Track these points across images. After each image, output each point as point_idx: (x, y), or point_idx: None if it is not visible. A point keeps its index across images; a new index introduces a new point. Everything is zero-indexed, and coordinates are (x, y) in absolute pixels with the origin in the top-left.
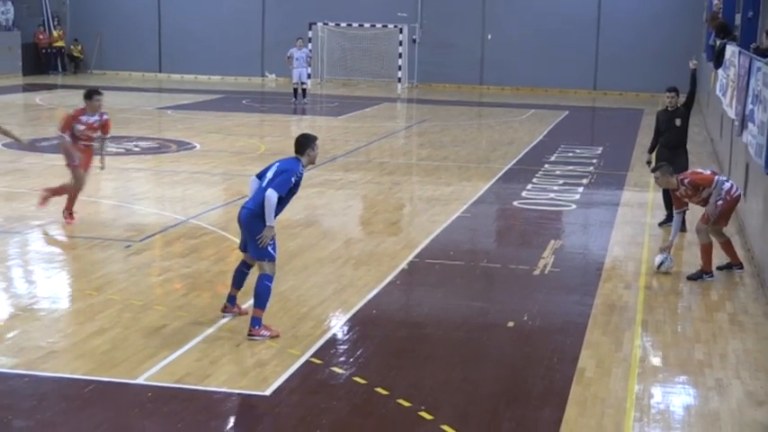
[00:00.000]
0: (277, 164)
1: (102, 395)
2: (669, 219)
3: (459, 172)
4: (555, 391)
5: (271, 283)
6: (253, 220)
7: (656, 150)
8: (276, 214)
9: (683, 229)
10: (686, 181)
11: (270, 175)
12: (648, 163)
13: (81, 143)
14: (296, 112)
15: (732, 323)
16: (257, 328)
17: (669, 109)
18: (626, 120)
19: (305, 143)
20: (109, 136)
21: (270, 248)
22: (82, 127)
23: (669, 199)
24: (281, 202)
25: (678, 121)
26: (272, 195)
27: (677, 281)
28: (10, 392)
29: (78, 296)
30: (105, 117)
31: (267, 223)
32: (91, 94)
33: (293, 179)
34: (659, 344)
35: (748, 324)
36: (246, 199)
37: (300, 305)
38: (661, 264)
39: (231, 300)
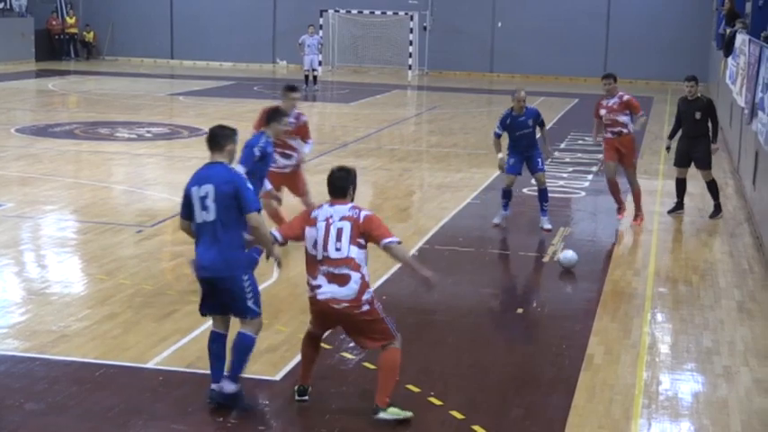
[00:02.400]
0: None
1: (113, 379)
2: (678, 207)
3: (468, 159)
4: (564, 377)
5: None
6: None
7: (676, 137)
8: None
9: (680, 208)
10: (625, 97)
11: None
12: (668, 149)
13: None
14: (307, 99)
15: (740, 311)
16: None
17: (689, 98)
18: None
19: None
20: (309, 145)
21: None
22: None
23: (682, 187)
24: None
25: (698, 115)
26: None
27: (686, 268)
28: (22, 375)
29: (90, 281)
30: (303, 119)
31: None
32: (288, 89)
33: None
34: (668, 331)
35: (756, 312)
36: None
37: None
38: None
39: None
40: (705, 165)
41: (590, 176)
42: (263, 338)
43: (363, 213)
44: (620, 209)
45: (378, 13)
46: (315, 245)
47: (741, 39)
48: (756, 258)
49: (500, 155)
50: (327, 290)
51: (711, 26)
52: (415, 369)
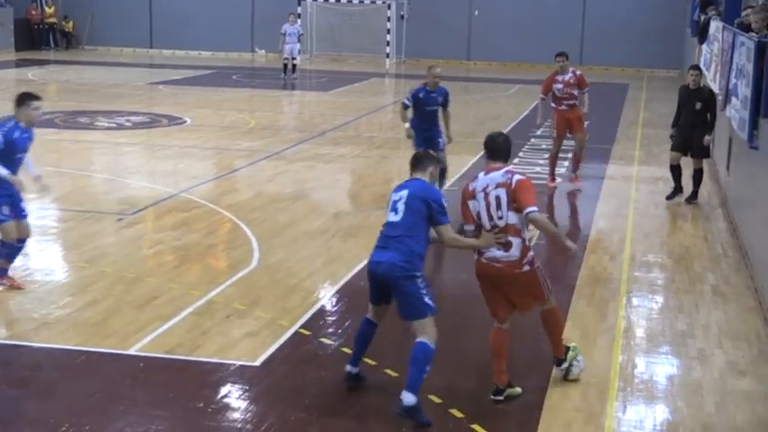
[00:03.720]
0: None
1: (94, 365)
2: (677, 191)
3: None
4: (540, 360)
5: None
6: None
7: (677, 126)
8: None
9: (679, 192)
10: (578, 72)
11: None
12: (671, 137)
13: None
14: (285, 87)
15: (715, 294)
16: None
17: (692, 87)
18: (611, 94)
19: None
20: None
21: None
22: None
23: (677, 172)
24: None
25: (698, 105)
26: None
27: (661, 253)
28: (4, 363)
29: (71, 268)
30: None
31: None
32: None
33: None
34: (643, 314)
35: (730, 295)
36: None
37: (290, 277)
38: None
39: None
40: (702, 154)
41: (566, 163)
42: (243, 325)
43: (516, 178)
44: (554, 177)
45: (355, 1)
46: (479, 216)
47: (715, 26)
48: (730, 243)
49: (406, 124)
50: (490, 254)
51: (686, 13)
52: (392, 353)
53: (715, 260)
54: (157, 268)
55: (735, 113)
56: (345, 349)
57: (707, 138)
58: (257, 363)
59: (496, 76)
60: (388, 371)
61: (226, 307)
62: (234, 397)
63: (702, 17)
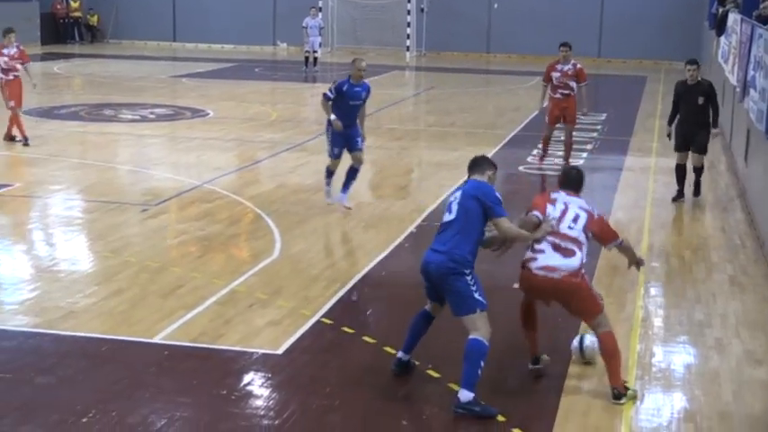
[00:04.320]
0: None
1: (120, 353)
2: (681, 194)
3: (465, 138)
4: (559, 349)
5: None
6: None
7: (675, 124)
8: None
9: (682, 196)
10: (578, 66)
11: None
12: (669, 136)
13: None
14: (307, 80)
15: (732, 284)
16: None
17: (689, 82)
18: (629, 87)
19: None
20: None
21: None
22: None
23: (682, 174)
24: None
25: (701, 100)
26: None
27: (679, 243)
28: (32, 351)
29: (97, 258)
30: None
31: None
32: None
33: None
34: (660, 304)
35: (748, 285)
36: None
37: (311, 267)
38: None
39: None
40: (703, 150)
41: (584, 154)
42: (266, 314)
43: (597, 212)
44: (544, 157)
45: None
46: (549, 217)
47: (733, 18)
48: (748, 233)
49: (332, 116)
50: (549, 258)
51: (704, 6)
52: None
53: (732, 251)
54: (181, 258)
55: (753, 105)
56: (366, 338)
57: (715, 131)
58: (279, 351)
59: (516, 69)
60: (388, 348)
61: (248, 296)
62: (257, 384)
63: (720, 10)
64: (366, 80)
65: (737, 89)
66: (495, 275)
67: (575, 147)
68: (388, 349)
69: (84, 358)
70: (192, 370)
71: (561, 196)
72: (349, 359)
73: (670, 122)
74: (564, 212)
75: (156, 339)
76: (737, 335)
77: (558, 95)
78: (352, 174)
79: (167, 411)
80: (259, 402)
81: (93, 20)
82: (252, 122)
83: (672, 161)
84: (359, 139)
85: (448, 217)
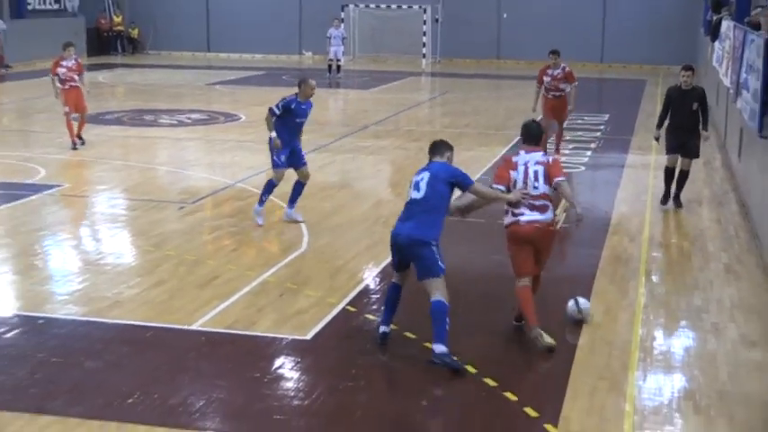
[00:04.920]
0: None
1: (161, 339)
2: (668, 197)
3: (478, 138)
4: (566, 334)
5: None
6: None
7: (666, 128)
8: None
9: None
10: (567, 69)
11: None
12: (657, 139)
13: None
14: (330, 86)
15: (728, 272)
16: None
17: (684, 88)
18: (630, 90)
19: None
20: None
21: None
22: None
23: (670, 177)
24: None
25: (695, 105)
26: None
27: (677, 234)
28: (82, 338)
29: (139, 252)
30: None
31: None
32: None
33: None
34: (661, 291)
35: (742, 272)
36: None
37: (336, 259)
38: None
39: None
40: (695, 155)
41: (589, 153)
42: (295, 303)
43: (551, 158)
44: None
45: (394, 6)
46: (515, 185)
47: (726, 24)
48: (742, 225)
49: (273, 133)
50: (529, 215)
51: (699, 14)
52: (430, 329)
53: (727, 241)
54: (216, 252)
55: (746, 105)
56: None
57: (705, 134)
58: (308, 337)
59: (524, 74)
60: (428, 344)
61: (278, 286)
62: (287, 368)
63: (715, 17)
64: (383, 85)
65: (731, 90)
66: (505, 264)
67: (579, 145)
68: (408, 334)
69: (129, 344)
70: (228, 355)
71: (521, 157)
72: (372, 343)
73: (659, 126)
74: (525, 173)
75: (195, 327)
76: (733, 319)
77: (550, 96)
78: (298, 188)
79: (205, 393)
80: (289, 384)
81: (134, 33)
82: None
83: None
84: (303, 154)
85: (415, 195)
